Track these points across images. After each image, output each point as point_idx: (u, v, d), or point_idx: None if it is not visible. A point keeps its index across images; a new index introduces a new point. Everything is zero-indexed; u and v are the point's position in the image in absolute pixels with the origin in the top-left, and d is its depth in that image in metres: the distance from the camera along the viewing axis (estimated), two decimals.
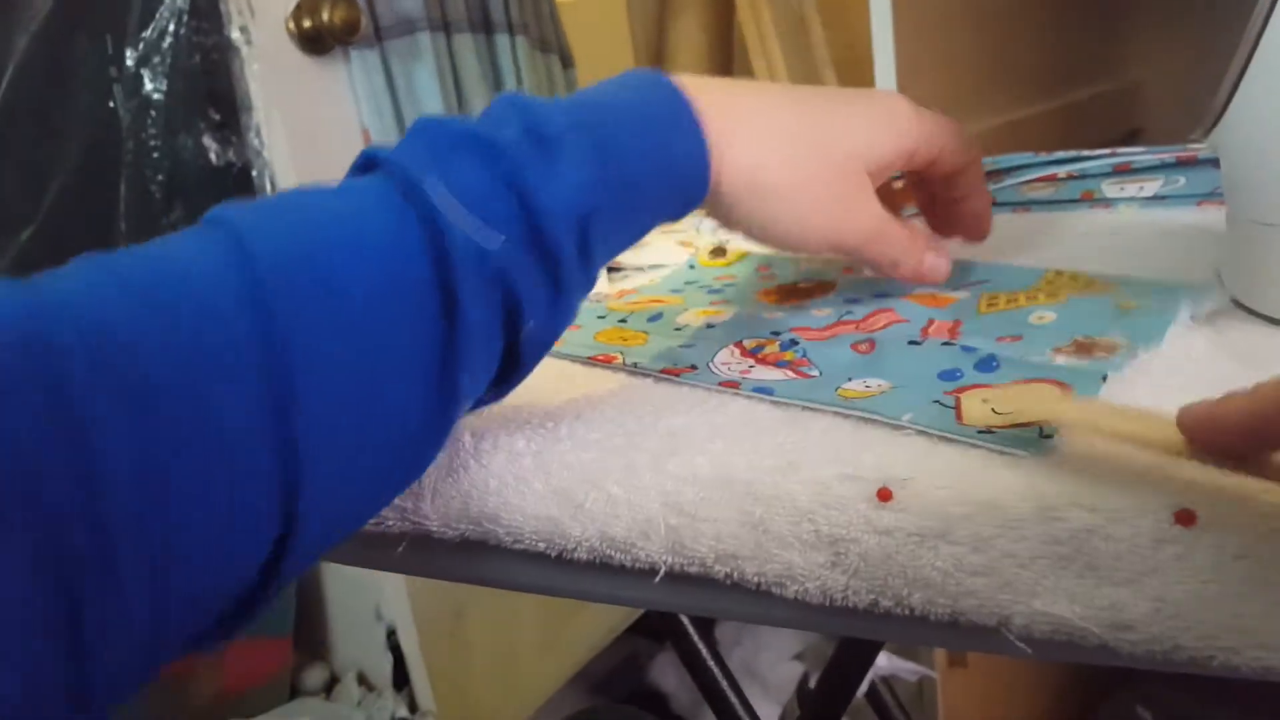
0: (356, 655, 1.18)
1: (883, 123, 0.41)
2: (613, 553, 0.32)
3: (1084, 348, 0.35)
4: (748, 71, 1.42)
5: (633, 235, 0.36)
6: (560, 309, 0.33)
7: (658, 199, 0.36)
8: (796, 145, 0.39)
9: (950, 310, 0.42)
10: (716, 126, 0.37)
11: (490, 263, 0.30)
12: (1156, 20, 1.21)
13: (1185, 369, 0.34)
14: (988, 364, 0.35)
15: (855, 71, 1.37)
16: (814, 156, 0.39)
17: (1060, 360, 0.34)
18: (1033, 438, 0.29)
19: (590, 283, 0.34)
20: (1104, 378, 0.32)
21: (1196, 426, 0.26)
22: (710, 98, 0.37)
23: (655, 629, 1.20)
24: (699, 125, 0.36)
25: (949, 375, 0.35)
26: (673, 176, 0.36)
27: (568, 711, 0.97)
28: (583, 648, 1.23)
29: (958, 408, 0.32)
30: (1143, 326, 0.36)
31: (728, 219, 0.40)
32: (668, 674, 1.25)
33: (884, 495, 0.29)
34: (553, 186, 0.31)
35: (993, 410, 0.31)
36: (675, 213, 0.37)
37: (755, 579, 0.30)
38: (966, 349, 0.37)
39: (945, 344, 0.38)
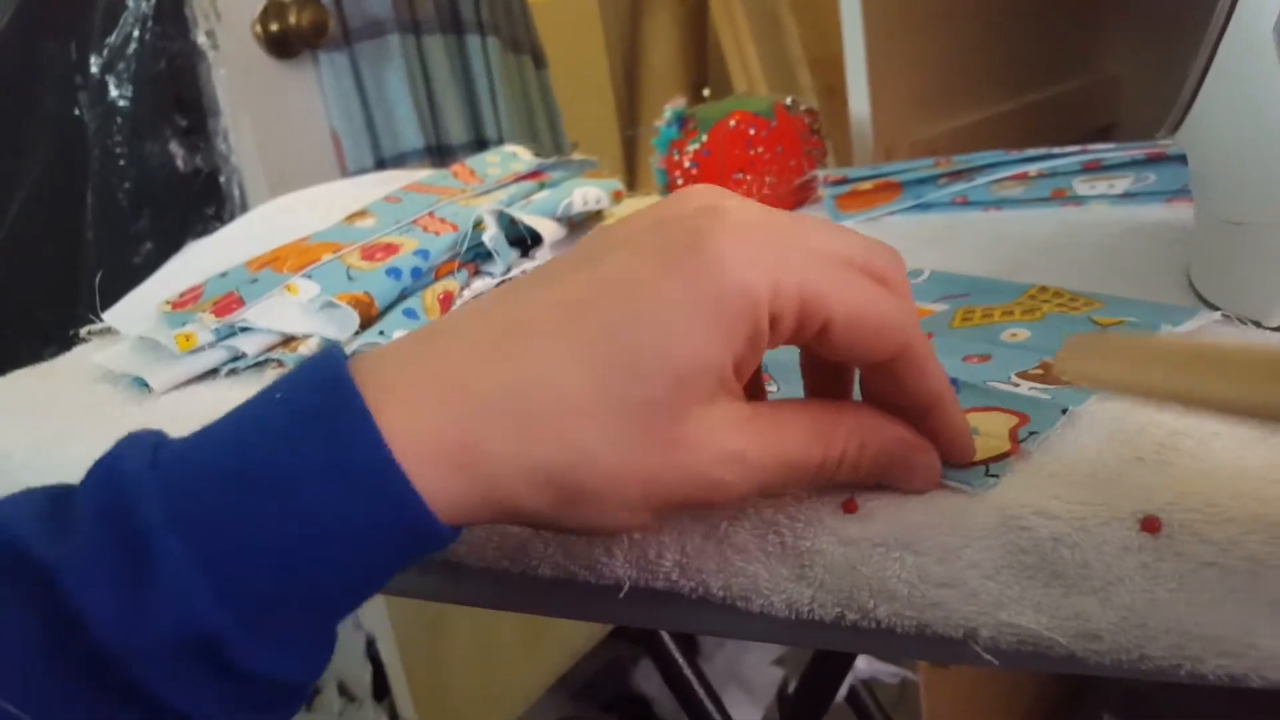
0: (336, 665, 1.17)
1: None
2: (576, 569, 0.31)
3: (1051, 371, 0.34)
4: (722, 69, 1.41)
5: (325, 618, 0.26)
6: None
7: (343, 579, 0.25)
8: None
9: (922, 323, 0.41)
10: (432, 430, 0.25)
11: None
12: (1131, 14, 1.21)
13: None
14: None
15: (829, 69, 1.37)
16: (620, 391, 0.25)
17: (1023, 388, 0.33)
18: (979, 475, 0.28)
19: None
20: (1064, 411, 0.31)
21: None
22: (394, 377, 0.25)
23: (637, 634, 1.19)
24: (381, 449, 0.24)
25: None
26: (356, 541, 0.24)
27: (551, 718, 0.97)
28: (564, 654, 1.22)
29: None
30: None
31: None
32: (650, 679, 1.25)
33: (849, 506, 0.29)
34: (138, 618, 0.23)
35: None
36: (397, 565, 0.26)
37: (720, 593, 0.30)
38: None
39: None
